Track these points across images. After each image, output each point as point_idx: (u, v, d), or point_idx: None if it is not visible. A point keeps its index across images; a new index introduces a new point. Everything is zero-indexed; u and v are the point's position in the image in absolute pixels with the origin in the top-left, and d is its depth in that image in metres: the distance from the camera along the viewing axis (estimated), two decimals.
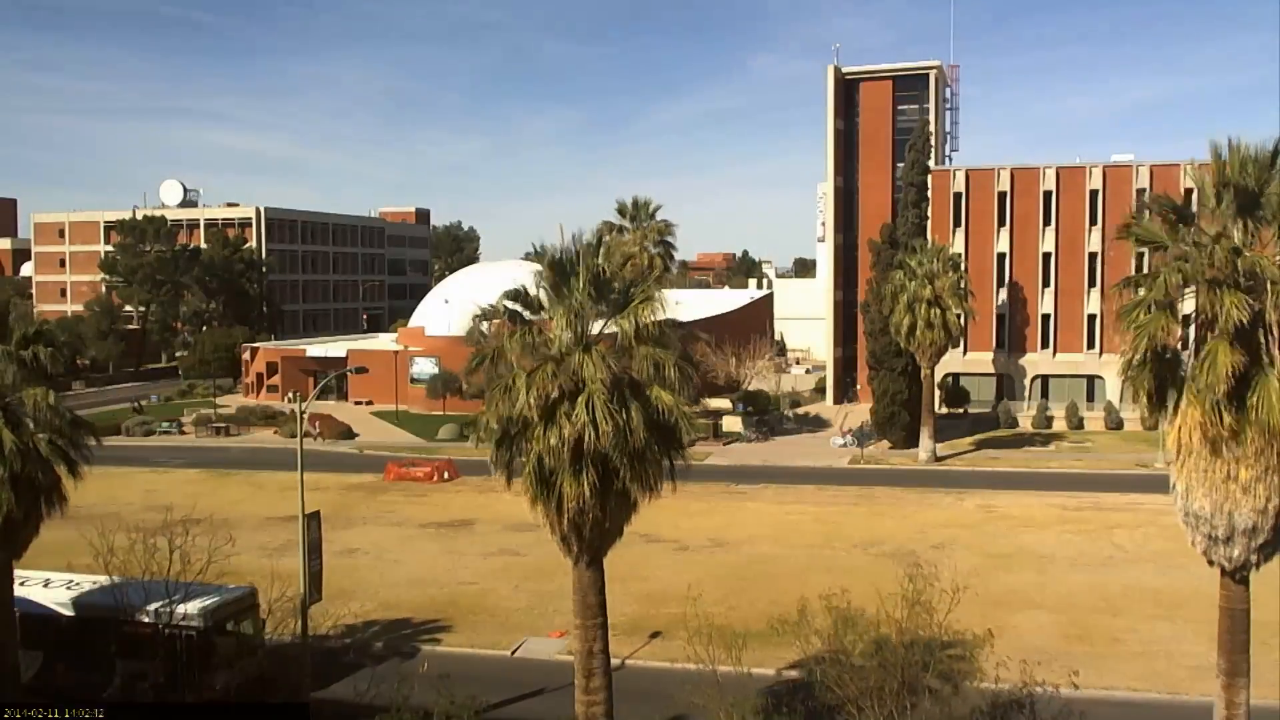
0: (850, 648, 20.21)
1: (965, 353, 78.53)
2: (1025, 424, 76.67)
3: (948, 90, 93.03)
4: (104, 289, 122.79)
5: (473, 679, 28.66)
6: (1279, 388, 18.65)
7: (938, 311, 64.04)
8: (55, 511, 24.68)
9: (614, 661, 31.01)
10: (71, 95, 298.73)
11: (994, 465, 65.35)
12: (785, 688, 27.25)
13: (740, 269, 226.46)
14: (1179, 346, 20.72)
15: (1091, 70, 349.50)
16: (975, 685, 20.70)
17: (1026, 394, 79.96)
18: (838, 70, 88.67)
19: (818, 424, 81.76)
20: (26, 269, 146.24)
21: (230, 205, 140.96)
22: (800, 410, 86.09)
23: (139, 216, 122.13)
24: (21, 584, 27.03)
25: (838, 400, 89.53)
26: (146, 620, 26.41)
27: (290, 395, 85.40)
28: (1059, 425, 75.60)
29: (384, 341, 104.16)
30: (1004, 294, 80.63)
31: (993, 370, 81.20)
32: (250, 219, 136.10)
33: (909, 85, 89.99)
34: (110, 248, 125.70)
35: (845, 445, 71.22)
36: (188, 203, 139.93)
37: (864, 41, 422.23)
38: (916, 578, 20.23)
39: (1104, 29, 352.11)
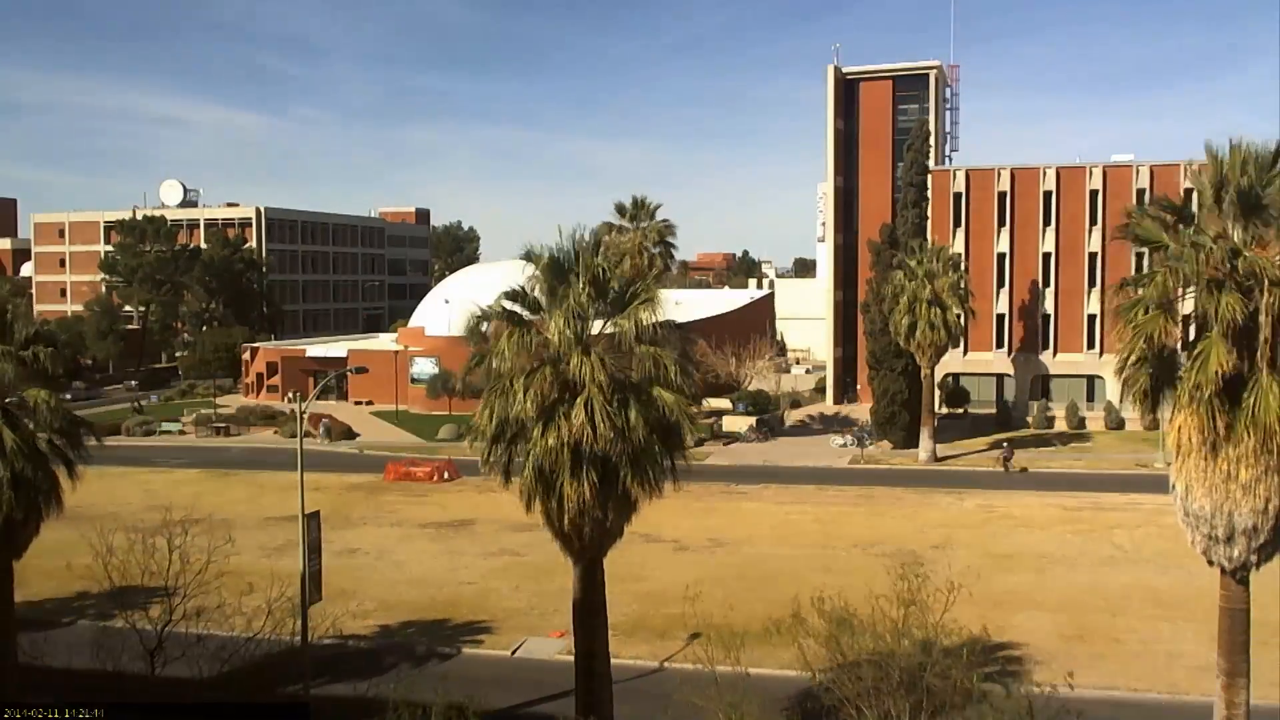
0: (847, 649, 20.19)
1: (965, 353, 78.49)
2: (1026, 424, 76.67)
3: (948, 90, 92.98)
4: (104, 289, 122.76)
5: (473, 679, 28.70)
6: (1274, 388, 18.65)
7: (938, 311, 64.05)
8: (54, 512, 24.70)
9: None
10: (72, 95, 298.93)
11: (993, 465, 65.31)
12: (785, 688, 27.23)
13: (740, 269, 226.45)
14: (1178, 347, 20.73)
15: (1092, 71, 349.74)
16: (975, 685, 20.67)
17: (1026, 394, 79.88)
18: (838, 70, 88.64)
19: (820, 423, 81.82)
20: (26, 269, 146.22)
21: (230, 205, 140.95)
22: (808, 413, 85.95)
23: (139, 216, 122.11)
24: None
25: (838, 400, 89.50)
26: None
27: (290, 395, 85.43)
28: (1059, 425, 75.57)
29: (384, 341, 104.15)
30: (1004, 294, 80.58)
31: (993, 370, 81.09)
32: (250, 219, 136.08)
33: (909, 85, 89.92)
34: (110, 248, 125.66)
35: (845, 445, 71.21)
36: (188, 203, 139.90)
37: (864, 41, 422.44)
38: (908, 577, 20.22)
39: (1105, 29, 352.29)
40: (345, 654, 32.79)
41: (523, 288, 22.59)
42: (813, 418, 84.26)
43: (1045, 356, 79.97)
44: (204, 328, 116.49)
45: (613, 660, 24.46)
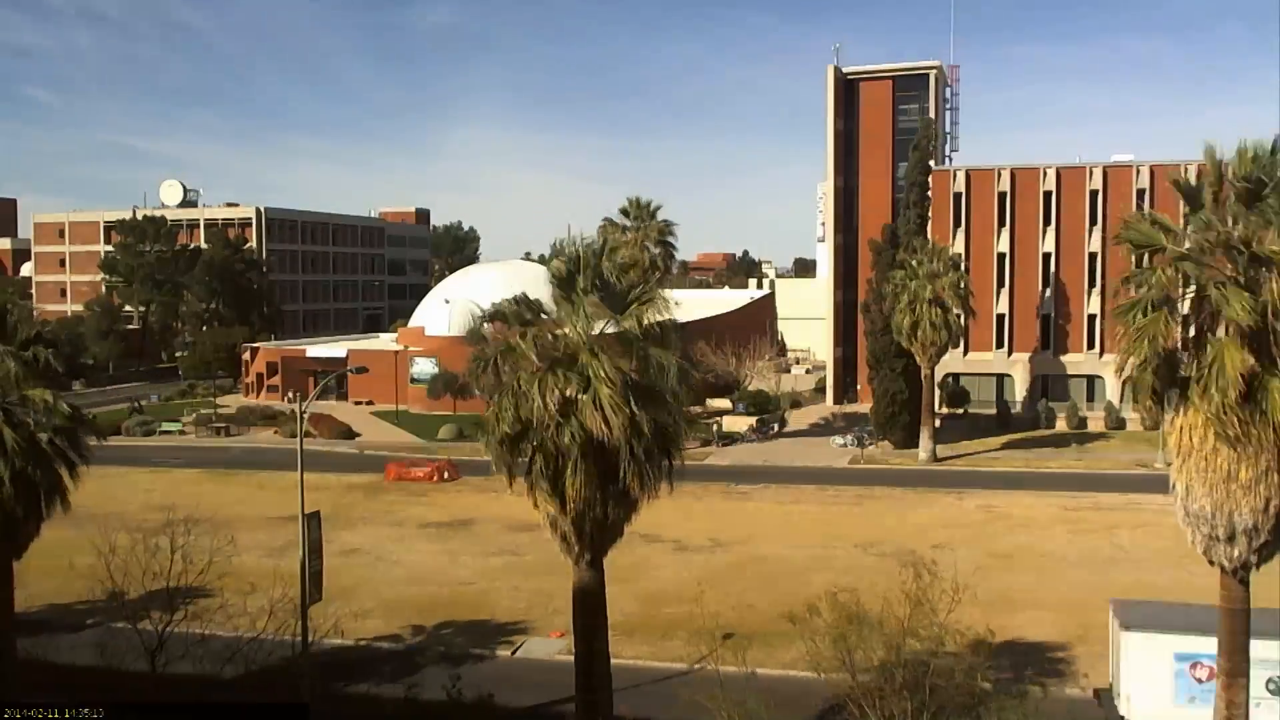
0: (854, 647, 20.20)
1: (965, 353, 78.49)
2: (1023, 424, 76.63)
3: (948, 90, 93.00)
4: (104, 289, 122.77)
5: (472, 680, 28.75)
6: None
7: (939, 311, 64.05)
8: (56, 511, 24.73)
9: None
10: (72, 95, 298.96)
11: (993, 465, 65.39)
12: (786, 688, 27.25)
13: (740, 269, 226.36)
14: (1178, 346, 20.71)
15: (1092, 70, 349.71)
16: (975, 684, 20.70)
17: (1038, 394, 79.82)
18: (838, 70, 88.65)
19: (838, 419, 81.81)
20: (26, 269, 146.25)
21: (230, 205, 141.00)
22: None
23: (139, 216, 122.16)
24: None
25: (838, 400, 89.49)
26: None
27: (290, 395, 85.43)
28: (1060, 425, 75.59)
29: (384, 341, 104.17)
30: (1004, 294, 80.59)
31: (993, 370, 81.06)
32: (250, 219, 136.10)
33: (909, 85, 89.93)
34: (110, 248, 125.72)
35: (845, 445, 71.20)
36: (188, 203, 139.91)
37: (864, 41, 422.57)
38: (922, 574, 20.22)
39: (1105, 29, 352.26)
40: (348, 656, 32.79)
41: (526, 295, 22.81)
42: (826, 419, 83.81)
43: (1047, 356, 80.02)
44: (204, 328, 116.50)
45: (613, 660, 24.47)
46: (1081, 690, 29.35)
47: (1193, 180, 21.11)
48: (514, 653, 33.99)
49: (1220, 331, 19.26)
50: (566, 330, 21.95)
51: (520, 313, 22.68)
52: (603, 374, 21.13)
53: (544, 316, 22.71)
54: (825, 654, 20.62)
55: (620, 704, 24.44)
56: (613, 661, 24.40)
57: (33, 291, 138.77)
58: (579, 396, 21.33)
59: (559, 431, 21.16)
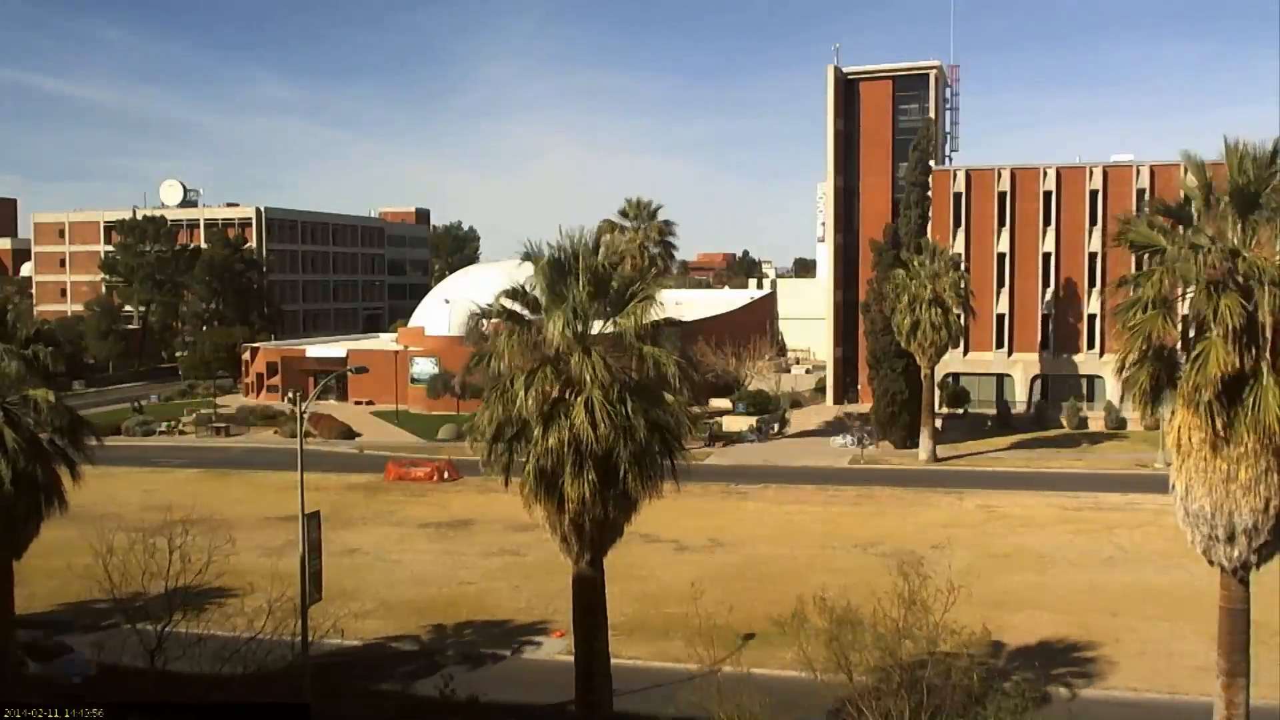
0: (848, 648, 20.20)
1: (965, 353, 78.46)
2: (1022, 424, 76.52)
3: (948, 90, 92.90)
4: (104, 289, 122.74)
5: (472, 679, 28.77)
6: (1274, 388, 18.66)
7: (938, 311, 64.03)
8: (56, 511, 24.73)
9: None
10: (72, 94, 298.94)
11: (993, 465, 65.34)
12: (786, 688, 27.24)
13: (740, 269, 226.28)
14: (1177, 346, 20.73)
15: (1092, 71, 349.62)
16: (973, 684, 20.69)
17: (1024, 393, 79.85)
18: (838, 70, 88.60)
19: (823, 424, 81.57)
20: (26, 269, 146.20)
21: (230, 205, 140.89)
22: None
23: (139, 216, 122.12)
24: None
25: (838, 400, 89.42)
26: None
27: (289, 395, 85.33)
28: (1060, 425, 75.53)
29: (384, 341, 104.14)
30: (1004, 294, 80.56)
31: (993, 370, 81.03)
32: (250, 219, 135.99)
33: (909, 85, 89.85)
34: (110, 248, 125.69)
35: (845, 445, 71.15)
36: (188, 203, 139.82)
37: (864, 41, 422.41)
38: (911, 576, 20.22)
39: (1105, 29, 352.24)
40: (347, 656, 32.77)
41: (522, 287, 22.57)
42: (828, 420, 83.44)
43: (1047, 356, 80.00)
44: (204, 328, 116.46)
45: (613, 660, 24.45)
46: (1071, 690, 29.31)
47: (1193, 182, 21.10)
48: (514, 653, 33.97)
49: (1214, 333, 19.29)
50: (557, 329, 21.74)
51: (514, 310, 22.56)
52: (593, 375, 21.00)
53: (539, 314, 22.55)
54: (819, 656, 20.61)
55: (621, 704, 24.44)
56: (613, 661, 24.39)
57: (33, 291, 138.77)
58: (570, 397, 21.26)
59: (549, 434, 21.07)
